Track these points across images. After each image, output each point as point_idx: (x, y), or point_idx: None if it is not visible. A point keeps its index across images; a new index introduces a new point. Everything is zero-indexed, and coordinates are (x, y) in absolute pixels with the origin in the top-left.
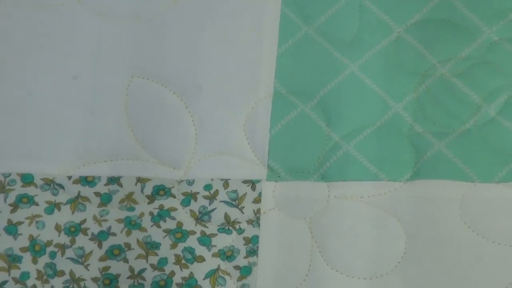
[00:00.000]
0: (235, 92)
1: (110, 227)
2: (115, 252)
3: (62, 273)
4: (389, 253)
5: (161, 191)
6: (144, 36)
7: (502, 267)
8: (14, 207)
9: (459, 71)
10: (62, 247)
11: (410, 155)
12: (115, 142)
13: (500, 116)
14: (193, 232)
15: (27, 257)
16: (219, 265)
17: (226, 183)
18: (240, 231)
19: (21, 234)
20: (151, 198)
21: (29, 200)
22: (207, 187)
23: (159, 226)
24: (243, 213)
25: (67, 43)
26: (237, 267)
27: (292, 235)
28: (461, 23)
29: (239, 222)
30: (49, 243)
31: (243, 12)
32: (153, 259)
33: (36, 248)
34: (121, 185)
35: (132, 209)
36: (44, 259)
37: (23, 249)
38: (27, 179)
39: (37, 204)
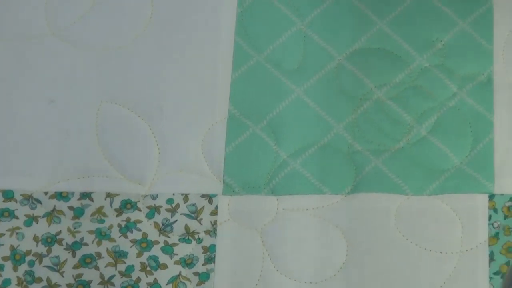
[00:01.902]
0: (194, 115)
1: (82, 238)
2: (87, 261)
3: (40, 279)
4: (332, 259)
5: (128, 204)
6: (113, 65)
7: (433, 272)
8: None
9: (393, 95)
10: (40, 256)
11: (350, 170)
12: (87, 161)
13: (430, 135)
14: (157, 242)
15: (8, 265)
16: (180, 272)
17: (186, 197)
18: (199, 240)
19: (3, 245)
20: (119, 211)
21: (10, 214)
22: (169, 201)
23: (126, 237)
24: (201, 224)
25: (44, 71)
26: (196, 274)
27: (246, 244)
28: (395, 51)
29: (198, 233)
30: (28, 252)
31: (200, 42)
32: (121, 267)
33: (16, 257)
34: (92, 200)
35: (102, 221)
36: (23, 267)
37: (4, 258)
38: (8, 195)
39: (17, 218)
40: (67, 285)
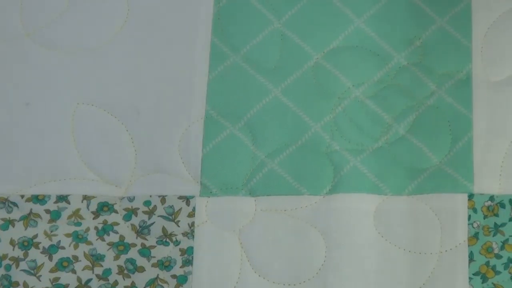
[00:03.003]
0: (170, 115)
1: (59, 241)
2: (64, 264)
3: (17, 284)
4: (310, 260)
5: (105, 207)
6: (88, 66)
7: (412, 272)
8: None
9: (371, 93)
10: (16, 260)
11: (329, 171)
12: (63, 163)
13: (409, 134)
14: (134, 245)
15: None
16: (158, 275)
17: (163, 199)
18: (177, 243)
19: None
20: (96, 214)
21: None
22: (146, 203)
23: (103, 240)
24: (179, 226)
25: (19, 73)
26: (174, 276)
27: (223, 245)
28: (373, 49)
29: (176, 235)
30: (4, 256)
31: (177, 42)
32: (98, 270)
33: None
34: (68, 203)
35: (79, 224)
36: (0, 272)
37: None
38: None
39: None
40: None
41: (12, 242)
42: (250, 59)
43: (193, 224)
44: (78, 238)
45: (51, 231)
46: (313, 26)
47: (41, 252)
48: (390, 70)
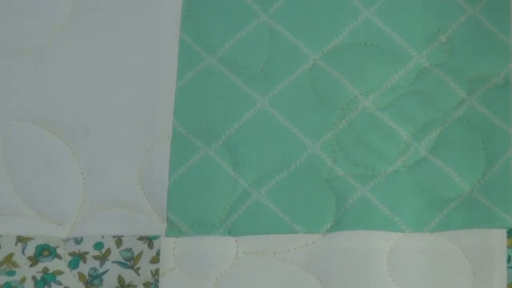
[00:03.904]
0: (128, 134)
1: None
2: None
3: None
4: None
5: (45, 251)
6: (23, 72)
7: None
8: None
9: (384, 103)
10: None
11: (330, 202)
12: None
13: (432, 155)
14: None
15: None
16: None
17: (119, 241)
18: None
19: None
20: (33, 260)
21: None
22: (98, 245)
23: None
24: (139, 274)
25: None
26: None
27: None
28: (386, 47)
29: (135, 286)
30: None
31: (135, 41)
32: None
33: None
34: None
35: (12, 273)
36: None
37: None
38: None
39: None
40: None
41: None
42: (230, 61)
43: (157, 271)
44: None
45: None
46: (309, 19)
47: None
48: (408, 73)
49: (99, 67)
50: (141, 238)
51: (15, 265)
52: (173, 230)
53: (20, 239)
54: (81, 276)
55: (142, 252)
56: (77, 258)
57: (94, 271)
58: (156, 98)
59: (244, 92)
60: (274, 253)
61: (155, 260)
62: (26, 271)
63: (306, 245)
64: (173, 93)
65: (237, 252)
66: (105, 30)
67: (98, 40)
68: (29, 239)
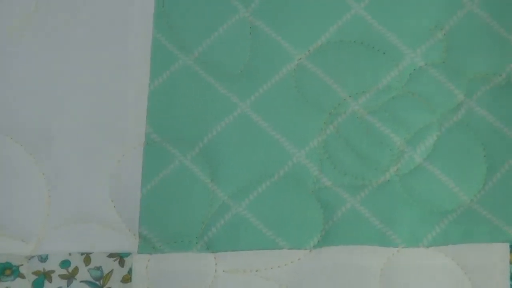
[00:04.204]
0: (96, 142)
1: None
2: None
3: None
4: None
5: (7, 270)
6: None
7: None
8: None
9: (375, 107)
10: None
11: (317, 215)
12: None
13: (428, 163)
14: None
15: None
16: None
17: (87, 258)
18: None
19: None
20: None
21: None
22: (64, 263)
23: None
24: None
25: None
26: None
27: None
28: (377, 45)
29: None
30: None
31: (104, 40)
32: None
33: None
34: None
35: None
36: None
37: None
38: None
39: None
40: None
41: None
42: (207, 62)
43: None
44: None
45: None
46: (293, 15)
47: None
48: (401, 73)
49: (63, 69)
50: (111, 255)
51: None
52: (146, 246)
53: None
54: None
55: (112, 270)
56: (42, 278)
57: None
58: (126, 102)
59: (223, 95)
60: (257, 271)
61: (127, 279)
62: None
63: (291, 262)
64: (146, 97)
65: (216, 270)
66: (69, 29)
67: (61, 40)
68: None
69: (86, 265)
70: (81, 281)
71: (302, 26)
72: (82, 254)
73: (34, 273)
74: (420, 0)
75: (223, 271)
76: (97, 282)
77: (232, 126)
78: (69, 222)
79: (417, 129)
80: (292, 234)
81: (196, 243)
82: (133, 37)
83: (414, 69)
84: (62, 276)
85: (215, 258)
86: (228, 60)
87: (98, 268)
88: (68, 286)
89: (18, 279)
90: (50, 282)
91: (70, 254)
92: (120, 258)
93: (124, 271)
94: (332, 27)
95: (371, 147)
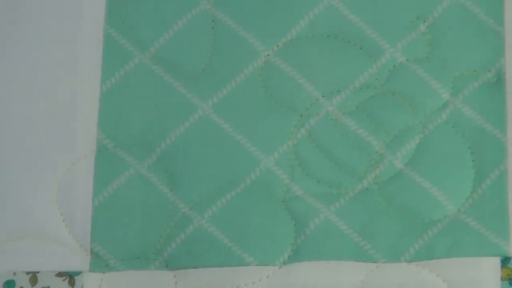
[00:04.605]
0: (44, 149)
1: None
2: None
3: None
4: None
5: None
6: None
7: None
8: None
9: (351, 107)
10: None
11: (287, 228)
12: None
13: (410, 169)
14: None
15: None
16: None
17: (34, 278)
18: None
19: None
20: None
21: None
22: (9, 284)
23: None
24: None
25: None
26: None
27: None
28: (353, 39)
29: None
30: None
31: (50, 36)
32: None
33: None
34: None
35: None
36: None
37: None
38: None
39: None
40: None
41: None
42: (165, 59)
43: None
44: None
45: None
46: (260, 7)
47: None
48: (380, 70)
49: (5, 69)
50: (60, 275)
51: None
52: (99, 264)
53: None
54: None
55: None
56: None
57: None
58: (76, 105)
59: (183, 96)
60: None
61: None
62: None
63: (259, 280)
64: (97, 99)
65: None
66: (12, 25)
67: (3, 37)
68: None
69: (32, 286)
70: None
71: (270, 19)
72: (28, 273)
73: None
74: None
75: None
76: None
77: (192, 130)
78: (13, 239)
79: (397, 132)
80: (260, 249)
81: (154, 260)
82: (83, 33)
83: (394, 66)
84: None
85: (175, 276)
86: (188, 57)
87: None
88: None
89: None
90: None
91: (14, 273)
92: (70, 277)
93: None
94: (303, 19)
95: (346, 152)
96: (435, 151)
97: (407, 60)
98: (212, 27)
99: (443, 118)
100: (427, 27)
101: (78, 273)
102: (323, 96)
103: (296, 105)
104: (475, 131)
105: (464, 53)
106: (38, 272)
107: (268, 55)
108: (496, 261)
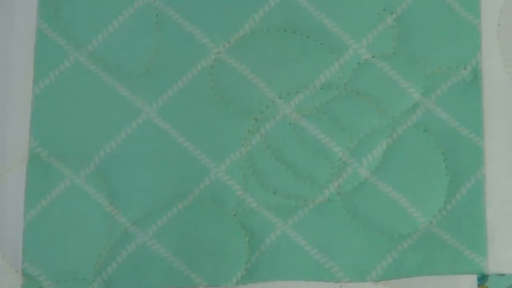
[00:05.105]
0: None
1: None
2: None
3: None
4: None
5: None
6: None
7: None
8: None
9: (311, 110)
10: None
11: (240, 244)
12: None
13: (376, 178)
14: None
15: None
16: None
17: None
18: None
19: None
20: None
21: None
22: None
23: None
24: None
25: None
26: None
27: None
28: (312, 34)
29: None
30: None
31: None
32: None
33: None
34: None
35: None
36: None
37: None
38: None
39: None
40: None
41: None
42: (104, 58)
43: None
44: None
45: None
46: (209, 0)
47: None
48: (343, 68)
49: None
50: None
51: None
52: (32, 286)
53: None
54: None
55: None
56: None
57: None
58: (5, 109)
59: (124, 99)
60: None
61: None
62: None
63: None
64: (29, 102)
65: None
66: None
67: None
68: None
69: None
70: None
71: (220, 12)
72: None
73: None
74: None
75: None
76: None
77: (135, 136)
78: None
79: (362, 136)
80: (210, 268)
81: (93, 281)
82: (14, 30)
83: (359, 63)
84: None
85: None
86: (129, 56)
87: None
88: None
89: None
90: None
91: None
92: None
93: None
94: (257, 13)
95: (306, 160)
96: (404, 158)
97: (373, 57)
98: (156, 22)
99: (413, 120)
100: (395, 19)
101: None
102: (279, 97)
103: (250, 108)
104: (449, 135)
105: (436, 49)
106: None
107: (218, 52)
108: (472, 279)
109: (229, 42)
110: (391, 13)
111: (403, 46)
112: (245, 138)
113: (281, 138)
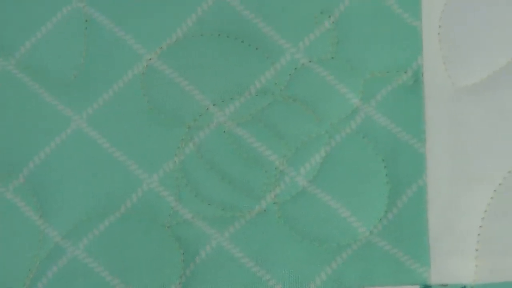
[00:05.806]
0: None
1: None
2: None
3: None
4: None
5: None
6: None
7: None
8: None
9: (246, 117)
10: None
11: (174, 257)
12: None
13: (314, 186)
14: None
15: None
16: None
17: None
18: None
19: None
20: None
21: None
22: None
23: None
24: None
25: None
26: None
27: None
28: (247, 38)
29: None
30: None
31: None
32: None
33: None
34: None
35: None
36: None
37: None
38: None
39: None
40: None
41: None
42: (32, 66)
43: None
44: None
45: None
46: (141, 4)
47: None
48: (279, 74)
49: None
50: None
51: None
52: None
53: None
54: None
55: None
56: None
57: None
58: None
59: (52, 108)
60: None
61: None
62: None
63: None
64: None
65: None
66: None
67: None
68: None
69: None
70: None
71: (152, 17)
72: None
73: None
74: None
75: None
76: None
77: (64, 146)
78: None
79: (300, 144)
80: (143, 282)
81: None
82: None
83: (296, 68)
84: None
85: None
86: (58, 63)
87: None
88: None
89: None
90: None
91: None
92: None
93: None
94: (190, 17)
95: (241, 169)
96: (343, 165)
97: (310, 62)
98: (86, 28)
99: (352, 127)
100: (332, 22)
101: None
102: (213, 104)
103: (182, 116)
104: (390, 141)
105: (376, 52)
106: None
107: (150, 59)
108: None
109: (161, 48)
110: (329, 16)
111: (342, 50)
112: (178, 148)
113: (215, 146)
